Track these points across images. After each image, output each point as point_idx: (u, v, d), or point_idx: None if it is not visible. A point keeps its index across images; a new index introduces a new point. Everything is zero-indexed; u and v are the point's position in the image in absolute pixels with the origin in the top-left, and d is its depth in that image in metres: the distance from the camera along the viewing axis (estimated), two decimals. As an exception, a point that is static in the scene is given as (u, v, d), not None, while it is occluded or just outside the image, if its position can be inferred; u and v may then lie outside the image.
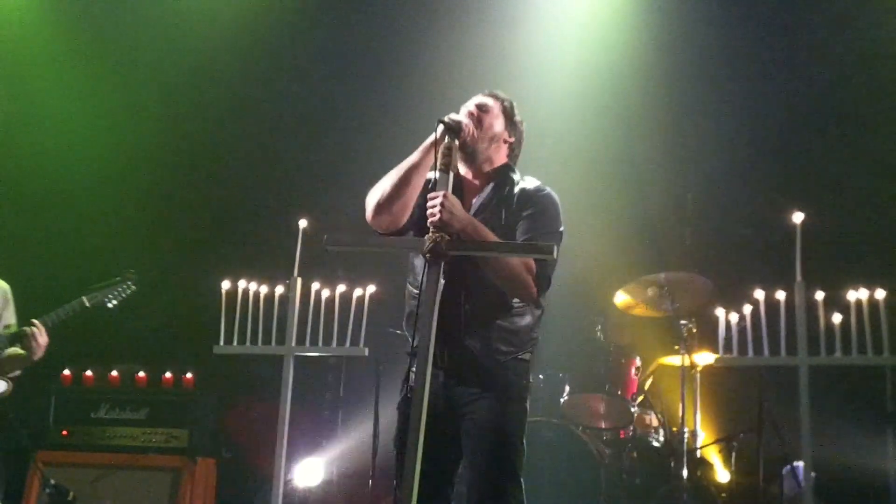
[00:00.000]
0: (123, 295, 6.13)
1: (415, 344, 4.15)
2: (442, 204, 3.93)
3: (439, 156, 4.03)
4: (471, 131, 4.22)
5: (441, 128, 4.09)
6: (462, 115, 4.25)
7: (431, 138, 4.09)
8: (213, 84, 8.26)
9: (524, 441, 4.14)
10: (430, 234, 3.91)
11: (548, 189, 4.28)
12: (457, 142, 4.11)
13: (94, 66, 8.30)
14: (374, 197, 4.19)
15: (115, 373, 7.12)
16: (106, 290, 6.06)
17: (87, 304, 5.96)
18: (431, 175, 4.14)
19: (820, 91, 7.96)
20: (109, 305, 6.09)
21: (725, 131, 8.03)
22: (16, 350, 5.76)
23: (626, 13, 8.09)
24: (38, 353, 5.76)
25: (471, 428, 4.10)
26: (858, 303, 4.45)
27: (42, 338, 5.72)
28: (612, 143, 8.07)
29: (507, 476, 4.08)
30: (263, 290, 4.74)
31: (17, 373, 5.84)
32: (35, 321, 5.73)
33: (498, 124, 4.33)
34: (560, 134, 7.67)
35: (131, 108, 8.30)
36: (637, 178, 8.20)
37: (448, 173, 4.01)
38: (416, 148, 4.15)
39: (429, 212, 3.96)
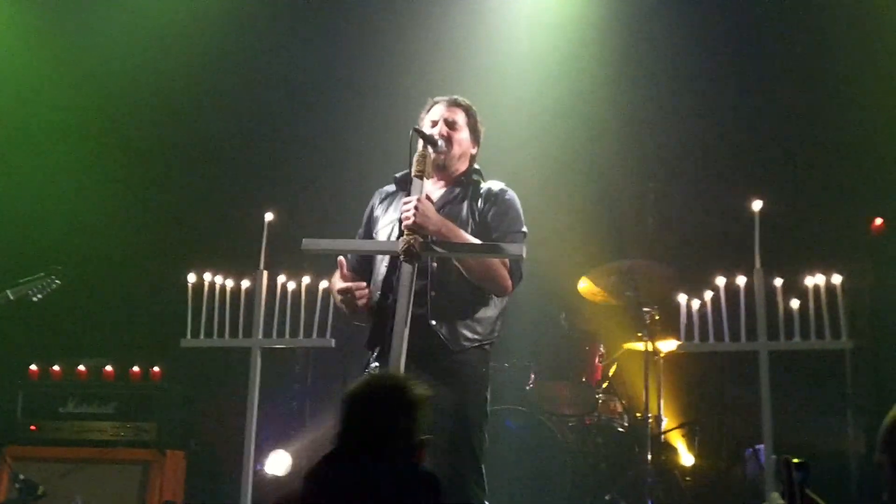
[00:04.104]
0: (48, 289, 6.36)
1: (370, 335, 4.30)
2: (416, 207, 4.02)
3: (414, 162, 4.14)
4: (443, 148, 4.34)
5: (414, 135, 4.24)
6: (434, 132, 4.35)
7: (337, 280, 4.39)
8: (179, 74, 8.21)
9: (484, 428, 4.21)
10: (404, 235, 4.01)
11: (511, 191, 4.41)
12: (430, 150, 4.21)
13: (61, 52, 8.25)
14: None
15: (82, 367, 7.10)
16: (30, 283, 6.27)
17: (12, 298, 6.15)
18: (401, 175, 4.24)
19: (776, 80, 8.06)
20: (34, 299, 6.30)
21: (684, 123, 8.12)
22: None
23: (586, 11, 8.17)
24: None
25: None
26: (816, 288, 4.50)
27: None
28: (574, 136, 8.12)
29: (468, 462, 4.15)
30: (229, 283, 4.75)
31: None
32: None
33: (465, 139, 4.46)
34: (522, 127, 7.74)
35: (95, 97, 8.23)
36: (599, 170, 8.27)
37: (422, 180, 4.13)
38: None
39: (403, 215, 4.05)
